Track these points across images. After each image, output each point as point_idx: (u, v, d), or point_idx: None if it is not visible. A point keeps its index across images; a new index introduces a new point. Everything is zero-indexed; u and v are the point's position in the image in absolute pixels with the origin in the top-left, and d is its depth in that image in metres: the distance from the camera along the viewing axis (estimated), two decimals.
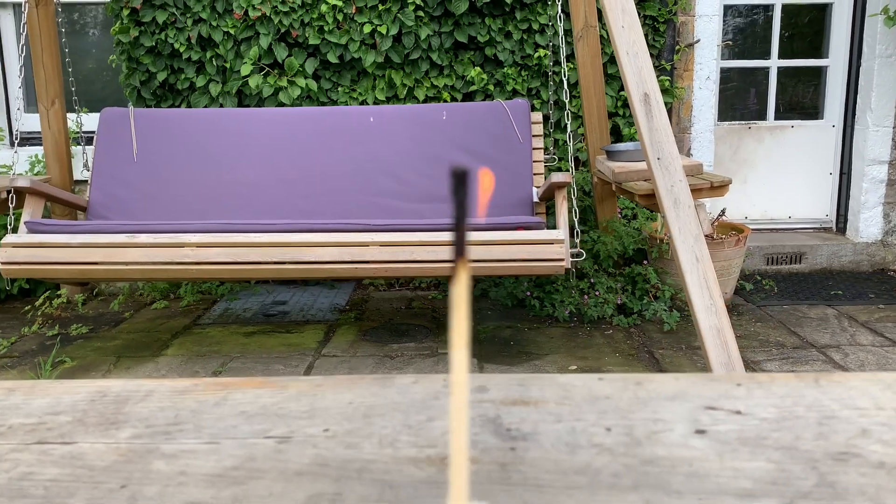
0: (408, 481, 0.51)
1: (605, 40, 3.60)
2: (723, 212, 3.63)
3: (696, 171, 2.83)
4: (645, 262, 3.49)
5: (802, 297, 3.65)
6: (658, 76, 3.79)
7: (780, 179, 4.31)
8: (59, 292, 3.69)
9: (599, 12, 3.25)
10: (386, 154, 3.20)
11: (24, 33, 3.06)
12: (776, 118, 4.29)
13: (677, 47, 3.87)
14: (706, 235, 2.59)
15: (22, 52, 2.96)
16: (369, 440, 0.58)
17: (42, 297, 3.63)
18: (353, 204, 3.13)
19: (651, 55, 3.78)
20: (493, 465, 0.54)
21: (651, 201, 2.81)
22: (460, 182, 0.24)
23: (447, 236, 2.63)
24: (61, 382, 0.71)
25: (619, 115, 3.78)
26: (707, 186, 2.82)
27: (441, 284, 3.84)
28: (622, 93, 3.73)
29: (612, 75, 3.72)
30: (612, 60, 3.67)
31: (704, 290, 2.34)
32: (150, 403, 0.65)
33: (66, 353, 3.02)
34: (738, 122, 4.27)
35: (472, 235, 2.63)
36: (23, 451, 0.57)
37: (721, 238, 3.42)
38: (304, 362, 2.90)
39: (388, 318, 3.42)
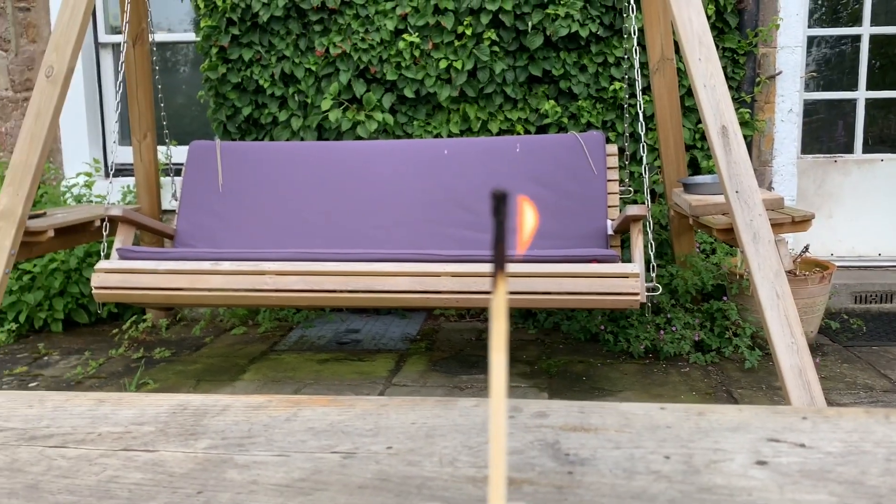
0: (465, 499, 0.52)
1: (682, 73, 3.55)
2: (806, 248, 3.50)
3: (776, 205, 2.75)
4: (724, 298, 3.39)
5: (893, 337, 3.47)
6: (738, 108, 3.72)
7: (867, 214, 4.13)
8: (144, 317, 3.85)
9: (676, 45, 3.22)
10: (459, 186, 3.23)
11: (122, 71, 3.25)
12: (864, 151, 4.13)
13: (758, 79, 3.79)
14: (787, 271, 2.50)
15: (119, 89, 3.14)
16: (430, 459, 0.59)
17: (129, 321, 3.79)
18: (425, 234, 3.17)
19: (730, 87, 3.71)
20: (550, 487, 0.54)
21: (729, 236, 2.74)
22: (500, 203, 0.27)
23: (519, 268, 2.63)
24: (147, 395, 0.76)
25: (697, 148, 3.72)
26: (788, 221, 2.73)
27: (513, 316, 3.82)
28: (700, 125, 3.67)
29: (690, 107, 3.66)
30: (689, 93, 3.61)
31: (786, 327, 2.26)
32: (227, 417, 0.69)
33: (150, 376, 3.14)
34: (822, 154, 4.13)
35: (544, 268, 2.62)
36: (110, 456, 0.62)
37: (804, 275, 3.30)
38: (375, 391, 2.93)
39: (458, 349, 3.42)
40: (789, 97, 3.85)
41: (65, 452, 0.64)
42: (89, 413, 0.72)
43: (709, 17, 3.62)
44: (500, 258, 0.27)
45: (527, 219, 0.28)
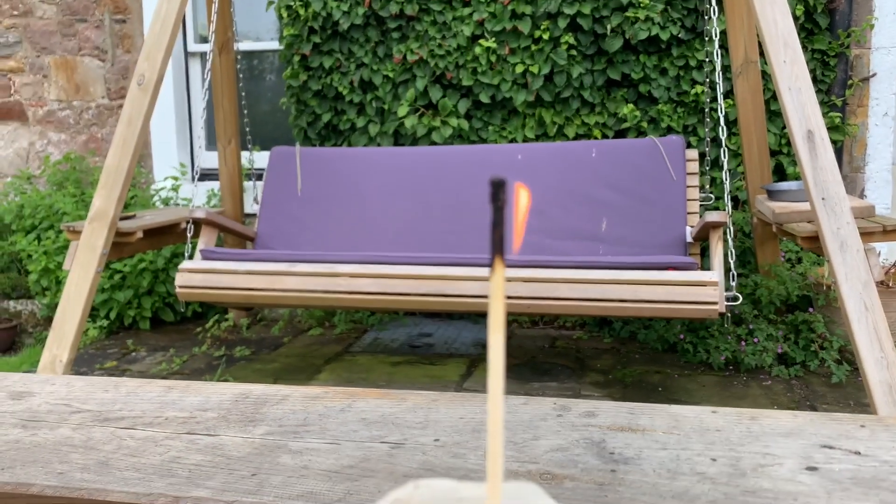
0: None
1: (767, 75, 3.44)
2: None
3: (866, 214, 2.62)
4: (810, 309, 3.25)
5: None
6: (827, 112, 3.56)
7: None
8: (226, 316, 3.97)
9: (761, 47, 3.12)
10: (533, 190, 3.20)
11: (208, 79, 3.37)
12: None
13: (850, 82, 3.62)
14: (878, 282, 2.38)
15: (205, 96, 3.27)
16: (475, 452, 0.61)
17: (212, 320, 3.92)
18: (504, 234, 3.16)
19: (820, 90, 3.56)
20: (591, 483, 0.55)
21: (815, 244, 2.62)
22: (498, 190, 0.27)
23: (592, 274, 2.59)
24: (212, 384, 0.80)
25: (783, 153, 3.58)
26: (879, 230, 2.59)
27: (587, 325, 3.76)
28: (786, 130, 3.53)
29: (775, 111, 3.53)
30: (774, 96, 3.49)
31: (875, 341, 2.14)
32: (285, 406, 0.73)
33: (230, 373, 3.24)
34: None
35: (619, 274, 2.57)
36: (174, 439, 0.66)
37: None
38: None
39: (530, 356, 3.39)
40: (884, 100, 3.67)
41: (134, 434, 0.68)
42: (158, 399, 0.76)
43: (797, 19, 3.49)
44: (498, 243, 0.28)
45: (521, 204, 0.29)
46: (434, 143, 3.72)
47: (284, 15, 3.91)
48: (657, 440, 0.60)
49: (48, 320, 3.94)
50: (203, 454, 0.62)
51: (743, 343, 3.12)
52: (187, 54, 4.54)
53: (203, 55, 4.52)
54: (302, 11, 3.84)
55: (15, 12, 4.59)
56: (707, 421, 0.63)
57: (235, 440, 0.64)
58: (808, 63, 3.43)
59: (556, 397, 2.23)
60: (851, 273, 2.21)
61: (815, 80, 3.51)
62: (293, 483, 0.56)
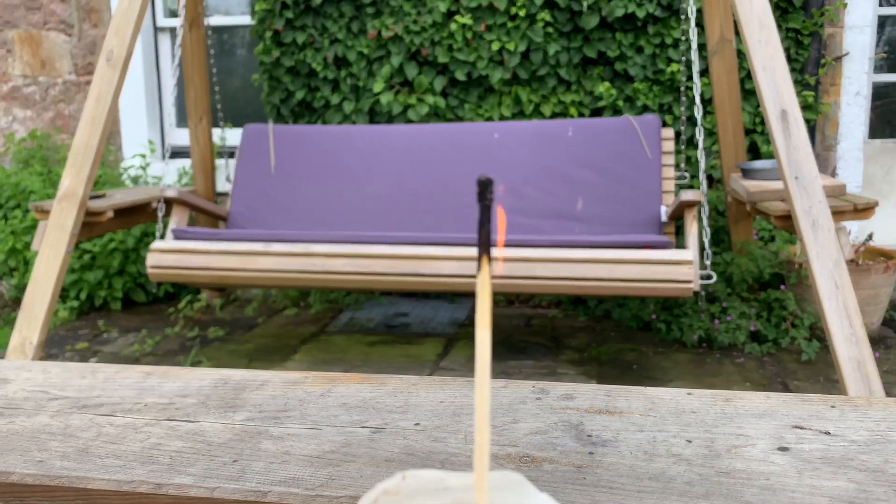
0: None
1: (742, 54, 3.45)
2: (870, 236, 3.38)
3: (838, 192, 2.65)
4: (782, 287, 3.30)
5: None
6: (800, 91, 3.59)
7: None
8: (199, 297, 3.93)
9: (736, 26, 3.12)
10: (509, 170, 3.20)
11: (178, 55, 3.30)
12: None
13: (823, 61, 3.65)
14: (849, 261, 2.41)
15: (175, 73, 3.20)
16: (455, 436, 0.61)
17: (184, 300, 3.88)
18: (474, 219, 3.15)
19: (793, 69, 3.59)
20: (570, 466, 0.56)
21: (787, 223, 2.65)
22: (485, 189, 0.28)
23: (568, 253, 2.60)
24: (191, 370, 0.79)
25: (758, 132, 3.61)
26: (850, 209, 2.63)
27: (562, 303, 3.78)
28: (760, 109, 3.56)
29: (750, 90, 3.55)
30: (749, 75, 3.51)
31: (844, 318, 2.18)
32: (265, 392, 0.72)
33: (204, 354, 3.21)
34: (892, 139, 3.97)
35: (595, 253, 2.58)
36: (154, 425, 0.65)
37: (867, 264, 3.18)
38: (423, 374, 2.94)
39: (506, 335, 3.41)
40: (856, 79, 3.71)
41: (113, 420, 0.67)
42: (137, 385, 0.74)
43: None
44: (484, 241, 0.29)
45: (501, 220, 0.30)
46: (410, 121, 3.69)
47: None
48: (634, 422, 0.61)
49: (17, 301, 3.87)
50: (184, 441, 0.62)
51: (716, 321, 3.16)
52: (157, 29, 4.44)
53: (173, 30, 4.43)
54: None
55: None
56: (683, 403, 0.65)
57: (216, 426, 0.65)
58: (782, 42, 3.44)
59: (533, 375, 2.25)
60: (823, 252, 2.24)
61: (788, 58, 3.53)
62: (275, 469, 0.57)
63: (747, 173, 3.04)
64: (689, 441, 0.58)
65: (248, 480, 0.55)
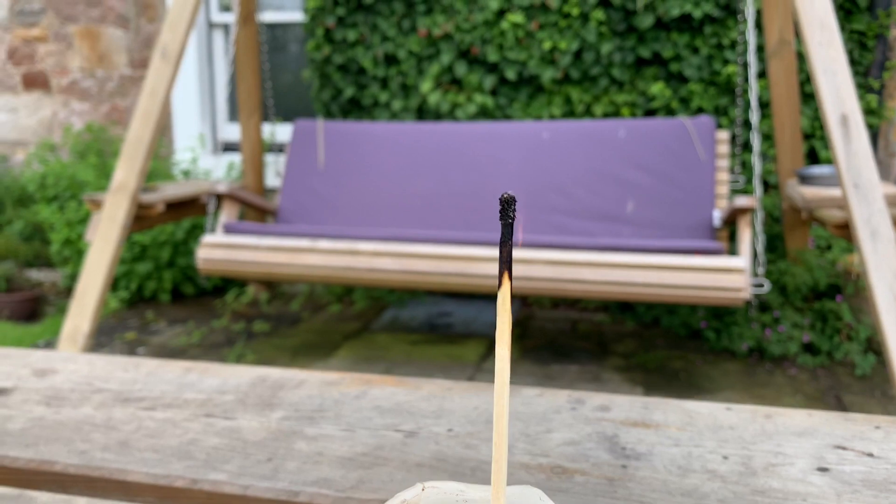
0: (516, 483, 0.53)
1: (802, 56, 3.35)
2: None
3: None
4: (838, 298, 3.19)
5: None
6: (864, 95, 3.47)
7: None
8: (245, 290, 3.98)
9: (796, 27, 3.03)
10: (558, 170, 3.16)
11: (232, 51, 3.34)
12: None
13: (888, 64, 3.53)
14: None
15: (229, 69, 3.24)
16: (487, 444, 0.61)
17: (231, 293, 3.93)
18: (522, 219, 3.12)
19: (857, 73, 3.47)
20: (602, 479, 0.55)
21: (846, 232, 2.56)
22: (507, 207, 0.28)
23: (616, 258, 2.55)
24: (230, 367, 0.79)
25: (816, 137, 3.50)
26: None
27: (609, 308, 3.73)
28: (820, 113, 3.45)
29: (810, 94, 3.45)
30: (809, 78, 3.40)
31: None
32: (301, 391, 0.72)
33: (248, 348, 3.24)
34: None
35: (644, 258, 2.53)
36: (193, 421, 0.66)
37: None
38: (464, 375, 2.92)
39: (551, 339, 3.37)
40: None
41: (153, 415, 0.67)
42: (177, 380, 0.74)
43: None
44: (506, 259, 0.29)
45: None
46: (458, 120, 3.68)
47: None
48: (670, 436, 0.61)
49: (69, 290, 3.97)
50: (220, 437, 0.63)
51: (768, 331, 3.07)
52: (210, 25, 4.51)
53: (226, 26, 4.49)
54: None
55: None
56: (721, 418, 0.64)
57: (252, 424, 0.65)
58: (845, 44, 3.33)
59: (576, 381, 2.21)
60: (882, 262, 2.16)
61: (851, 61, 3.42)
62: (308, 469, 0.57)
63: (805, 179, 2.95)
64: (726, 457, 0.57)
65: (280, 480, 0.56)
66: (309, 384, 0.74)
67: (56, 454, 0.61)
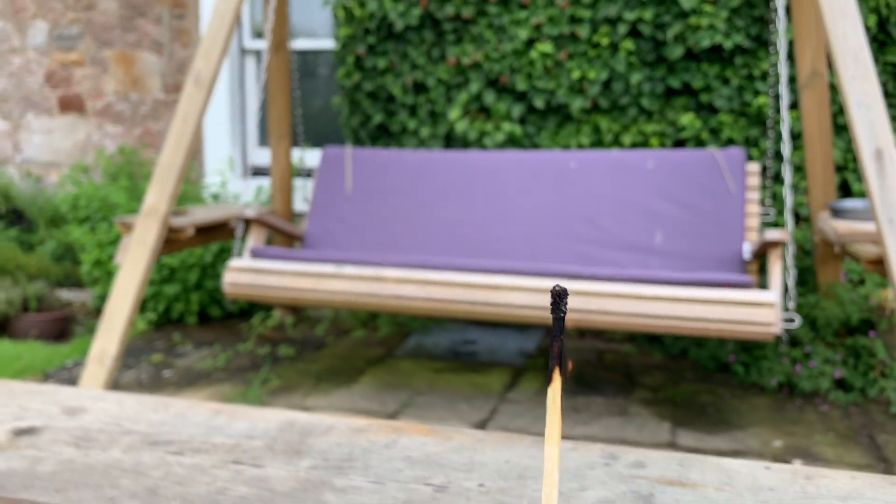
0: None
1: (835, 88, 3.31)
2: None
3: None
4: (872, 333, 3.13)
5: None
6: None
7: None
8: (271, 314, 3.99)
9: (829, 58, 3.00)
10: (586, 199, 3.14)
11: (264, 77, 3.39)
12: None
13: None
14: None
15: (261, 95, 3.28)
16: (520, 501, 0.59)
17: (257, 317, 3.95)
18: (548, 248, 3.10)
19: (891, 105, 3.42)
20: None
21: (880, 267, 2.51)
22: (560, 300, 0.27)
23: (643, 290, 2.52)
24: (258, 410, 0.79)
25: (849, 170, 3.46)
26: None
27: (636, 339, 3.68)
28: (853, 145, 3.40)
29: (842, 126, 3.41)
30: (841, 110, 3.37)
31: None
32: (330, 438, 0.72)
33: (274, 372, 3.24)
34: None
35: (673, 291, 2.50)
36: (221, 468, 0.65)
37: None
38: (489, 405, 2.89)
39: (577, 370, 3.33)
40: None
41: (181, 460, 0.67)
42: (206, 423, 0.74)
43: (869, 29, 3.36)
44: (557, 354, 0.28)
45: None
46: (485, 148, 3.68)
47: (340, 15, 3.91)
48: (708, 497, 0.59)
49: (99, 310, 4.01)
50: (248, 486, 0.62)
51: (798, 366, 3.02)
52: (243, 51, 4.58)
53: (258, 52, 4.55)
54: (357, 11, 3.83)
55: (79, 6, 4.69)
56: (760, 478, 0.62)
57: (280, 473, 0.64)
58: (879, 76, 3.29)
59: (602, 414, 2.18)
60: None
61: (886, 93, 3.38)
62: None
63: (837, 213, 2.90)
64: None
65: None
66: (337, 431, 0.73)
67: (84, 501, 0.60)
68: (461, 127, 3.68)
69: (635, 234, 3.05)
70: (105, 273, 3.89)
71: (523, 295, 2.61)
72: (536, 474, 0.62)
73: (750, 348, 3.23)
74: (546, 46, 3.60)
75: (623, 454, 0.67)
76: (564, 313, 0.26)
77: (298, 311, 4.10)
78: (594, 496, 0.59)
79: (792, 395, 3.01)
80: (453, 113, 3.69)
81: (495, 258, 3.11)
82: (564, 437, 0.70)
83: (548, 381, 0.26)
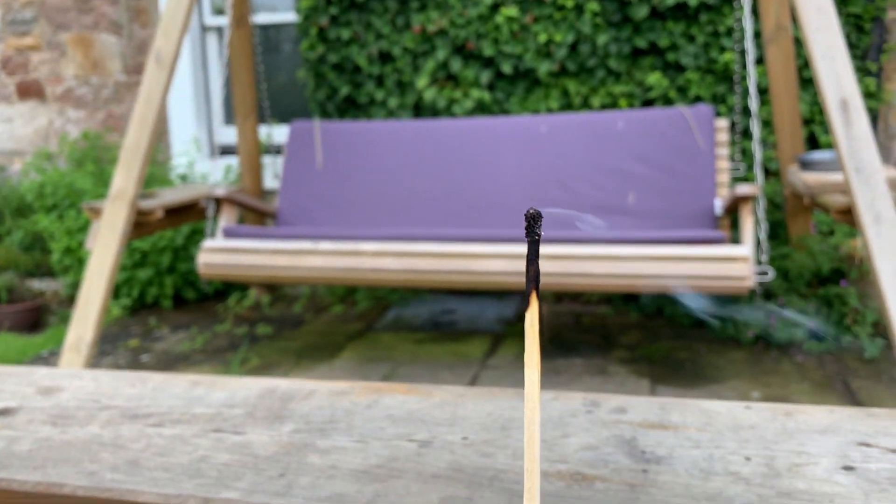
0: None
1: (800, 42, 3.33)
2: None
3: None
4: (843, 283, 3.18)
5: None
6: (862, 78, 3.46)
7: None
8: (247, 293, 3.96)
9: (793, 12, 3.01)
10: (558, 164, 3.14)
11: (226, 54, 3.33)
12: None
13: (886, 46, 3.51)
14: None
15: (223, 72, 3.22)
16: (504, 451, 0.59)
17: (233, 298, 3.92)
18: (522, 216, 3.10)
19: (854, 56, 3.45)
20: (623, 485, 0.53)
21: (849, 217, 2.55)
22: (533, 223, 0.27)
23: (618, 250, 2.54)
24: (238, 379, 0.78)
25: (816, 123, 3.49)
26: None
27: (613, 300, 3.72)
28: (819, 98, 3.43)
29: (808, 79, 3.43)
30: (807, 63, 3.39)
31: None
32: (311, 402, 0.71)
33: (252, 352, 3.23)
34: None
35: (647, 250, 2.52)
36: (202, 437, 0.64)
37: None
38: (470, 372, 2.91)
39: (555, 333, 3.36)
40: None
41: (162, 431, 0.66)
42: (185, 394, 0.73)
43: None
44: (533, 277, 0.28)
45: None
46: (455, 116, 3.66)
47: None
48: (689, 438, 0.60)
49: (72, 299, 3.96)
50: (231, 453, 0.62)
51: (773, 318, 3.06)
52: (204, 28, 4.49)
53: (219, 29, 4.47)
54: None
55: None
56: (740, 417, 0.62)
57: (262, 438, 0.64)
58: (842, 27, 3.31)
59: (582, 374, 2.20)
60: (886, 246, 2.15)
61: (849, 45, 3.40)
62: (321, 484, 0.56)
63: (806, 165, 2.93)
64: (748, 459, 0.56)
65: (294, 496, 0.54)
66: (319, 395, 0.73)
67: (64, 476, 0.60)
68: (429, 95, 3.65)
69: (608, 196, 3.06)
70: (76, 260, 3.83)
71: (500, 262, 2.61)
72: (519, 425, 0.62)
73: (725, 303, 3.27)
74: (511, 10, 3.57)
75: (604, 401, 0.67)
76: (539, 236, 0.26)
77: (275, 289, 4.07)
78: (577, 442, 0.60)
79: (768, 347, 3.06)
80: (421, 82, 3.66)
81: (470, 227, 3.11)
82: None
83: (524, 303, 0.26)
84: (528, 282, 0.26)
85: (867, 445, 0.57)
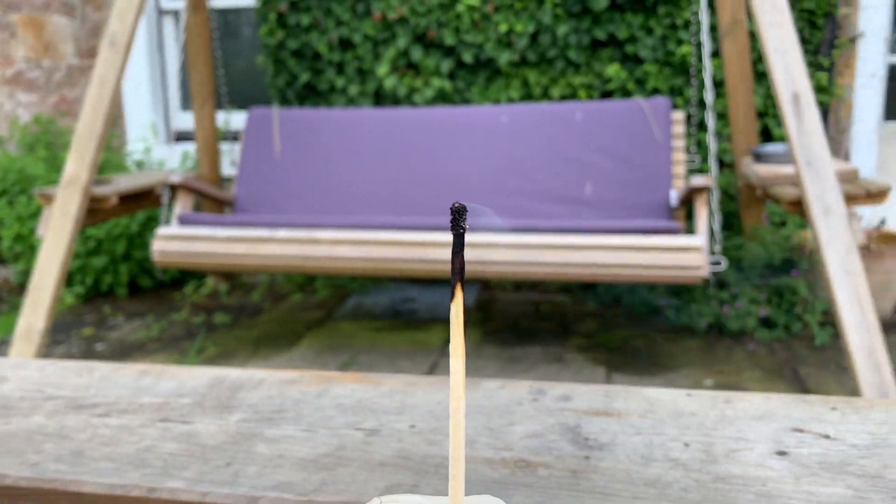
0: (480, 480, 0.53)
1: (755, 36, 3.39)
2: (882, 221, 3.33)
3: (850, 177, 2.61)
4: (794, 273, 3.26)
5: None
6: (814, 73, 3.53)
7: None
8: (204, 282, 3.92)
9: (748, 7, 3.07)
10: (518, 153, 3.16)
11: (182, 38, 3.27)
12: None
13: (837, 42, 3.59)
14: (861, 247, 2.37)
15: (179, 57, 3.17)
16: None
17: (190, 286, 3.87)
18: (483, 203, 3.09)
19: (807, 51, 3.53)
20: (565, 471, 0.54)
21: (800, 208, 2.62)
22: (459, 216, 0.27)
23: (575, 240, 2.57)
24: (187, 368, 0.77)
25: (770, 116, 3.56)
26: (863, 194, 2.59)
27: (571, 289, 3.76)
28: (773, 91, 3.50)
29: (762, 73, 3.50)
30: (761, 57, 3.45)
31: (856, 306, 2.15)
32: (260, 391, 0.71)
33: (210, 340, 3.20)
34: None
35: (603, 239, 2.55)
36: (149, 426, 0.64)
37: (881, 249, 3.14)
38: (429, 360, 2.92)
39: (513, 321, 3.39)
40: (871, 60, 3.65)
41: (108, 421, 0.65)
42: (133, 384, 0.72)
43: None
44: (458, 269, 0.28)
45: None
46: (415, 104, 3.65)
47: None
48: (632, 425, 0.61)
49: (22, 287, 3.87)
50: (178, 443, 0.62)
51: (726, 307, 3.13)
52: (160, 12, 4.40)
53: (176, 13, 4.38)
54: None
55: None
56: (682, 404, 0.64)
57: (210, 428, 0.64)
58: (795, 23, 3.38)
59: (540, 362, 2.22)
60: (834, 238, 2.20)
61: (802, 39, 3.47)
62: (268, 473, 0.56)
63: (759, 157, 2.99)
64: (687, 445, 0.57)
65: (240, 485, 0.54)
66: (268, 384, 0.72)
67: (6, 467, 0.59)
68: (390, 84, 3.63)
69: (567, 186, 3.09)
70: (27, 247, 3.74)
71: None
72: (468, 413, 0.63)
73: (680, 292, 3.33)
74: (473, 0, 3.57)
75: (550, 389, 0.69)
76: (465, 230, 0.26)
77: (233, 277, 4.03)
78: (522, 430, 0.60)
79: (721, 335, 3.13)
80: (381, 69, 3.64)
81: (429, 215, 3.11)
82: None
83: (450, 295, 0.27)
84: (453, 274, 0.27)
85: (800, 431, 0.59)
